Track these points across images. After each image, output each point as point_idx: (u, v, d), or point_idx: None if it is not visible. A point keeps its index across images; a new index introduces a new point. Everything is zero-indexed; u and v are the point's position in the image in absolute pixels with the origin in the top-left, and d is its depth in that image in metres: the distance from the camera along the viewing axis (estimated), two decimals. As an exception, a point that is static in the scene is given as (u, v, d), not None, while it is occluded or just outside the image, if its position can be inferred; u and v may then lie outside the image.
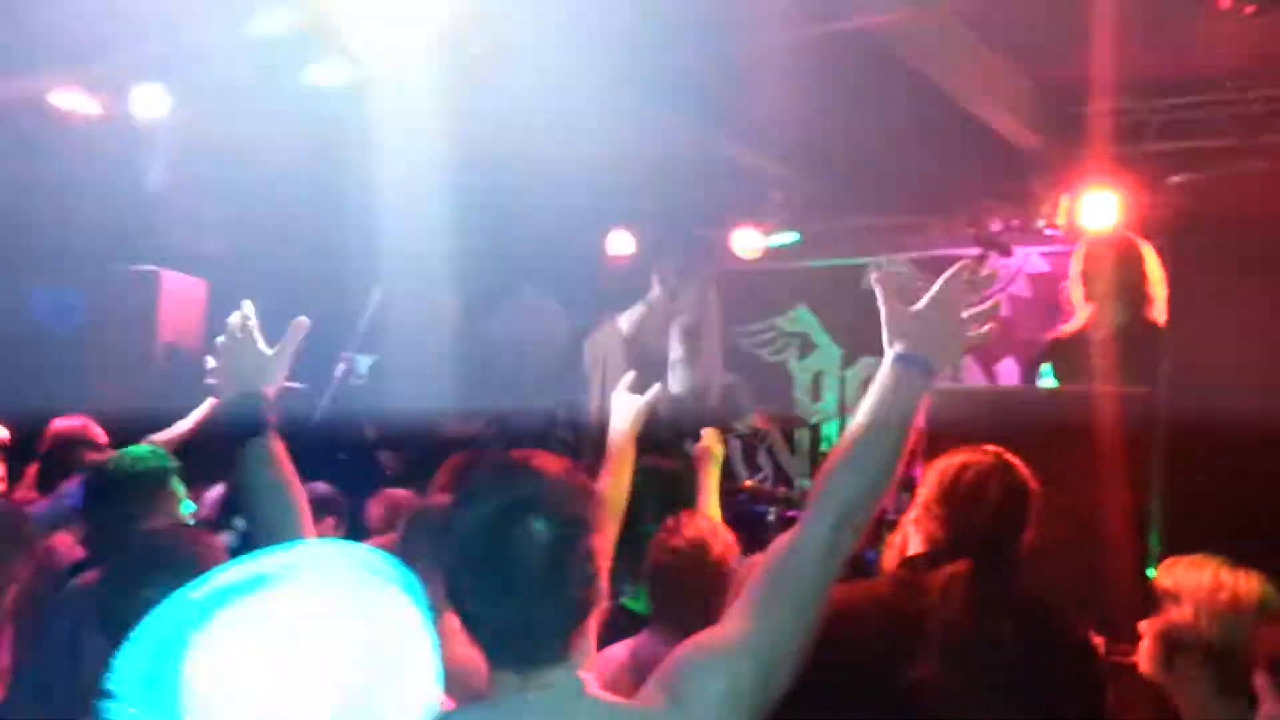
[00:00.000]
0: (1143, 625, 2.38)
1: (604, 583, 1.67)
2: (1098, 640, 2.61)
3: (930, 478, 2.47)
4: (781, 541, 1.75)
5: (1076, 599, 2.84)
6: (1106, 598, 2.69)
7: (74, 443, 4.64)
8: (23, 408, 5.54)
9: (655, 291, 5.07)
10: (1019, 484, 2.42)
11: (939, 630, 2.21)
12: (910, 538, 2.44)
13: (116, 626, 2.41)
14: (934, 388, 1.80)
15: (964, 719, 2.18)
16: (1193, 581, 2.29)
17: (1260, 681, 2.06)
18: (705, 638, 1.71)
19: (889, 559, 2.52)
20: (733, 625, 1.70)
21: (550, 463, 1.69)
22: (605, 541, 1.68)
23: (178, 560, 2.36)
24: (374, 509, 4.41)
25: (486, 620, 1.63)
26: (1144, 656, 2.36)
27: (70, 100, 5.15)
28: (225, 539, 3.86)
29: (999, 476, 2.41)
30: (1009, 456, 2.47)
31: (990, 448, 2.49)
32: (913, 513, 2.47)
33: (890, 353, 1.80)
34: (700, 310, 5.32)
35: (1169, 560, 2.43)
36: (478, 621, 1.63)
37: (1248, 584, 2.25)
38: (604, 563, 1.66)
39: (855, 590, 2.35)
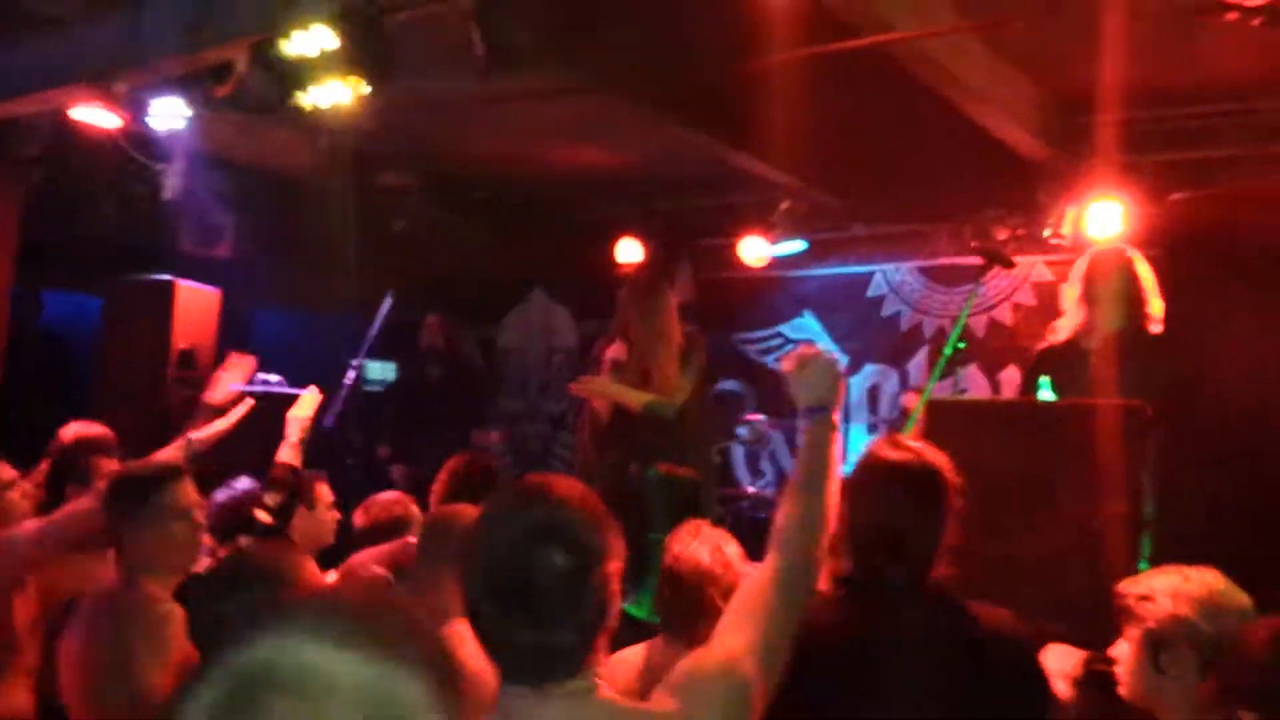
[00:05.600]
0: (1116, 649, 2.37)
1: (617, 605, 1.77)
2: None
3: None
4: (756, 573, 2.00)
5: (1076, 610, 2.89)
6: (1105, 608, 2.73)
7: (87, 448, 4.68)
8: (37, 413, 5.62)
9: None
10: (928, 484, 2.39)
11: (901, 669, 2.27)
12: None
13: (194, 640, 2.47)
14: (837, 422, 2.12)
15: None
16: (1163, 582, 2.31)
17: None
18: (705, 651, 1.87)
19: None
20: (726, 640, 1.87)
21: (570, 489, 1.78)
22: (618, 565, 1.78)
23: (265, 576, 2.43)
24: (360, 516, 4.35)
25: (505, 642, 1.71)
26: (1126, 673, 2.35)
27: (91, 115, 5.22)
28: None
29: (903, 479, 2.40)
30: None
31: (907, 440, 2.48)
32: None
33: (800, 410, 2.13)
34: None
35: (1129, 578, 2.44)
36: (497, 643, 1.72)
37: (1211, 577, 2.28)
38: (616, 586, 1.77)
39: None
